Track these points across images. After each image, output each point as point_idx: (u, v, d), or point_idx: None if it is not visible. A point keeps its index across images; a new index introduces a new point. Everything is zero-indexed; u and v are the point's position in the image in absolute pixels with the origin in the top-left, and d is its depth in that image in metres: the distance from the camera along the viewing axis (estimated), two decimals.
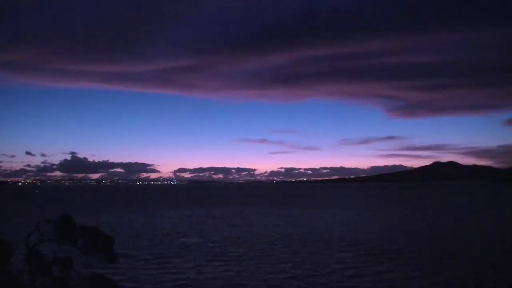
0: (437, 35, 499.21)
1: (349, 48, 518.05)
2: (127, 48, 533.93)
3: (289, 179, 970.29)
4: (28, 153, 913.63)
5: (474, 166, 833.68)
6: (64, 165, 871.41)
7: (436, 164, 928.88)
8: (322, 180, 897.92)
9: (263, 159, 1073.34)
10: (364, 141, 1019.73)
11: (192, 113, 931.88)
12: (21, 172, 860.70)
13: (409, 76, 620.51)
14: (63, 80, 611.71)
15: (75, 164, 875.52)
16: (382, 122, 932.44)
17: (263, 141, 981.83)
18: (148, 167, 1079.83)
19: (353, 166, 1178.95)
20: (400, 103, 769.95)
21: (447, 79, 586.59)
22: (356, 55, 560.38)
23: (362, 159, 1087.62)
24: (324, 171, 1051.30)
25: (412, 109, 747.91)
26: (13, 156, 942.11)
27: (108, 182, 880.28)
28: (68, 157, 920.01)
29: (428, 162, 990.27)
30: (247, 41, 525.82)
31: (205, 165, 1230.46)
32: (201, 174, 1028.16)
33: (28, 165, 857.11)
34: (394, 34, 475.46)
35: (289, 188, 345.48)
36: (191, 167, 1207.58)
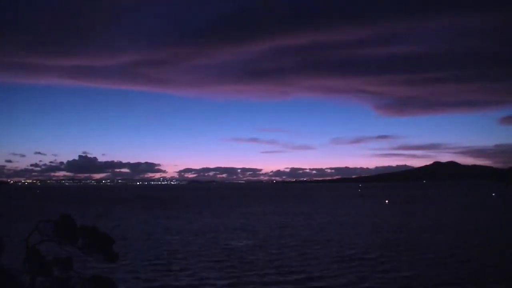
0: (425, 22, 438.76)
1: (328, 38, 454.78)
2: (92, 40, 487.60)
3: (289, 179, 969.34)
4: (38, 152, 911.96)
5: (474, 166, 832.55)
6: (72, 165, 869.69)
7: (436, 164, 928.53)
8: (323, 180, 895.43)
9: (263, 159, 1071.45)
10: (356, 140, 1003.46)
11: (173, 111, 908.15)
12: (24, 172, 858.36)
13: (394, 69, 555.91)
14: (28, 76, 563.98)
15: (83, 163, 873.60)
16: (373, 121, 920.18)
17: (254, 140, 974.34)
18: (156, 167, 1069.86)
19: (351, 166, 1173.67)
20: (388, 100, 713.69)
21: (436, 72, 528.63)
22: (336, 46, 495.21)
23: (358, 158, 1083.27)
24: (329, 171, 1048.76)
25: (401, 106, 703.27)
26: (23, 156, 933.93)
27: (108, 182, 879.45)
28: (78, 156, 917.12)
29: (427, 162, 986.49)
30: (217, 31, 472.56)
31: (211, 165, 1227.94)
32: (206, 174, 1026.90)
33: (35, 165, 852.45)
34: (377, 21, 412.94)
35: (307, 189, 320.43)
36: (198, 167, 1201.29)
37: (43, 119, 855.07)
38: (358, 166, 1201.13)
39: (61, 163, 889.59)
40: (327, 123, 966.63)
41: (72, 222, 6.21)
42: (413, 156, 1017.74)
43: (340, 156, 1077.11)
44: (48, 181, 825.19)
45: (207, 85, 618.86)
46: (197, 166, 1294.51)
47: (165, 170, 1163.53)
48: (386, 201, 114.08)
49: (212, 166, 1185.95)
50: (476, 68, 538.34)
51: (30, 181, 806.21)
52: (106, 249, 6.29)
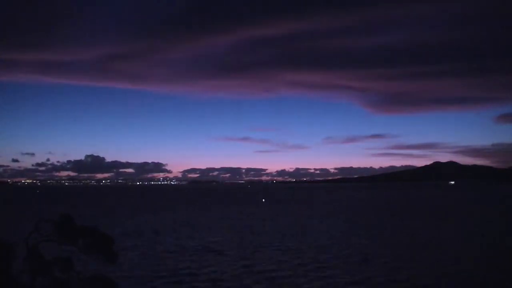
0: (416, 9, 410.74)
1: (308, 27, 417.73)
2: (57, 33, 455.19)
3: (290, 179, 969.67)
4: (49, 152, 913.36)
5: (474, 166, 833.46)
6: (79, 164, 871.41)
7: (437, 164, 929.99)
8: (323, 180, 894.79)
9: (266, 159, 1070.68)
10: (349, 140, 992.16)
11: (153, 108, 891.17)
12: (28, 171, 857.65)
13: (380, 62, 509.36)
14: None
15: (90, 163, 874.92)
16: (363, 119, 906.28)
17: (246, 139, 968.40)
18: (163, 167, 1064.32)
19: (348, 166, 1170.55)
20: (376, 97, 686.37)
21: (426, 66, 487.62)
22: (316, 36, 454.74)
23: (356, 158, 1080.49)
24: (333, 171, 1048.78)
25: (391, 104, 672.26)
26: (32, 155, 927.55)
27: (108, 182, 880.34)
28: (85, 156, 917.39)
29: (427, 162, 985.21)
30: (188, 21, 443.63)
31: (216, 165, 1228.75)
32: (210, 174, 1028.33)
33: (41, 164, 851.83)
34: (362, 8, 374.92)
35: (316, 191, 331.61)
36: (203, 167, 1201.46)
37: (57, 118, 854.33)
38: (362, 166, 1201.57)
39: (69, 161, 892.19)
40: (316, 121, 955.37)
41: (72, 222, 6.21)
42: (411, 155, 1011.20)
43: (338, 156, 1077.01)
44: (48, 181, 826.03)
45: (184, 80, 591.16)
46: (203, 166, 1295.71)
47: (170, 170, 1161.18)
48: (263, 200, 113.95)
49: (217, 166, 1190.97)
50: (469, 62, 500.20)
51: (30, 181, 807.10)
52: (106, 249, 6.29)
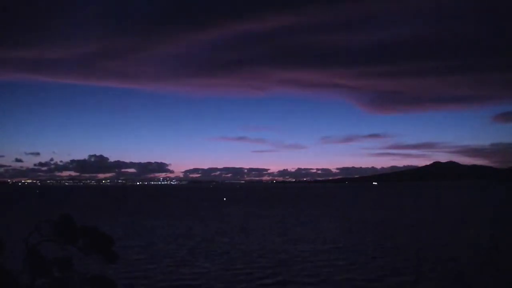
0: (410, 3, 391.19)
1: (300, 22, 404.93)
2: (56, 32, 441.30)
3: (290, 179, 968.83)
4: (53, 152, 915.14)
5: (474, 166, 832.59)
6: (81, 164, 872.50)
7: (436, 164, 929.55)
8: (324, 180, 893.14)
9: (267, 159, 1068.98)
10: (347, 139, 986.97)
11: (156, 108, 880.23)
12: (30, 171, 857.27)
13: (373, 59, 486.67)
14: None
15: (93, 163, 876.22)
16: (359, 118, 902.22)
17: (242, 139, 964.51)
18: (166, 167, 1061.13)
19: (355, 166, 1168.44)
20: (371, 96, 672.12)
21: (421, 63, 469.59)
22: (313, 33, 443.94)
23: (357, 158, 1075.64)
24: (335, 171, 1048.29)
25: (386, 103, 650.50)
26: (36, 155, 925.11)
27: (108, 182, 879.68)
28: (88, 156, 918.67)
29: (426, 162, 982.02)
30: (187, 18, 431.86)
31: (219, 165, 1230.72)
32: (212, 174, 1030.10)
33: (44, 164, 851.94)
34: (360, 2, 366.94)
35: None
36: (205, 167, 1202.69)
37: (61, 118, 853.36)
38: (363, 166, 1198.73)
39: (72, 161, 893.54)
40: (313, 121, 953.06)
41: (72, 222, 6.21)
42: (410, 155, 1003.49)
43: (336, 156, 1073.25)
44: (48, 181, 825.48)
45: (185, 79, 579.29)
46: (205, 166, 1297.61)
47: (172, 170, 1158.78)
48: (224, 199, 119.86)
49: (219, 166, 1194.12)
50: (467, 60, 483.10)
51: (30, 181, 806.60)
52: (106, 249, 6.29)
